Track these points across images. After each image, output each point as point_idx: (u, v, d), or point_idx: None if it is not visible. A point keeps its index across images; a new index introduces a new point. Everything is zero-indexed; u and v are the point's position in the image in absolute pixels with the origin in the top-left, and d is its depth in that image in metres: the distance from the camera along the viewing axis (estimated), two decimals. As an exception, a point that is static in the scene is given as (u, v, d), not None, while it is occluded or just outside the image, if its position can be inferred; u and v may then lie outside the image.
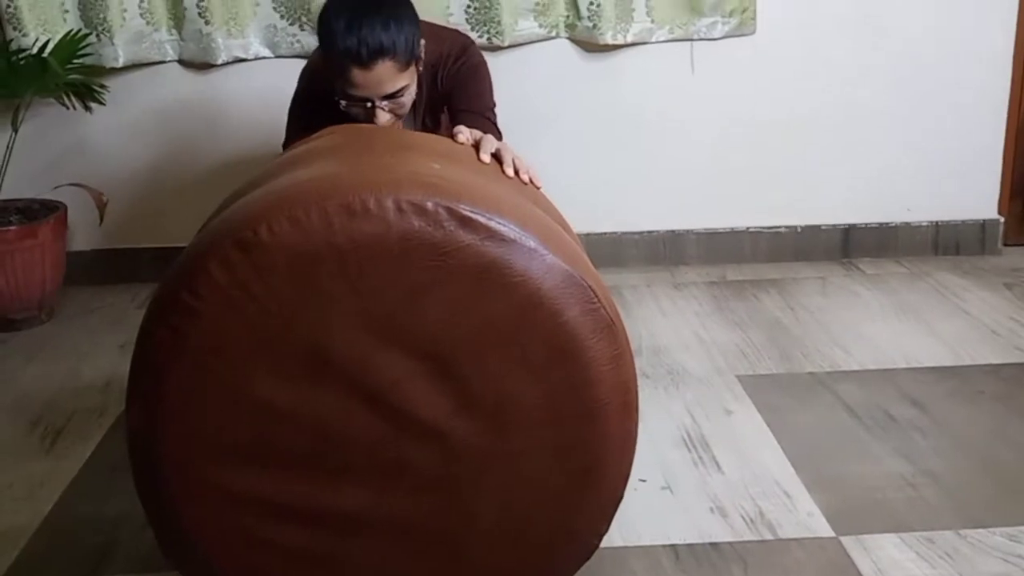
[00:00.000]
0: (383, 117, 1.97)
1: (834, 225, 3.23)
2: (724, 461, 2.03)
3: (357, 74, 1.90)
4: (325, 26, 1.93)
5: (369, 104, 1.95)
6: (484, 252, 1.31)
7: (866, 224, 3.23)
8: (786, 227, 3.23)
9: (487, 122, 2.12)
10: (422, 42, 2.00)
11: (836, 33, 3.06)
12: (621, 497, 1.49)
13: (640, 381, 2.29)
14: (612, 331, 1.38)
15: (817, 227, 3.23)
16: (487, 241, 1.31)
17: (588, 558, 1.51)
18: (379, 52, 1.88)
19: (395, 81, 1.93)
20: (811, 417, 2.21)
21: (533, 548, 1.45)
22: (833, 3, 3.03)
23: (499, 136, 2.06)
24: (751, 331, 2.69)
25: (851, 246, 3.24)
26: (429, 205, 1.29)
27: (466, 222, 1.30)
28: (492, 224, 1.31)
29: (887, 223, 3.23)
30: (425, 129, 2.18)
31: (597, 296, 1.37)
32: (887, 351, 2.53)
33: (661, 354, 2.56)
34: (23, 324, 2.85)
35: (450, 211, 1.30)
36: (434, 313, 1.32)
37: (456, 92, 2.16)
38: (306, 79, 2.21)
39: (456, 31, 2.30)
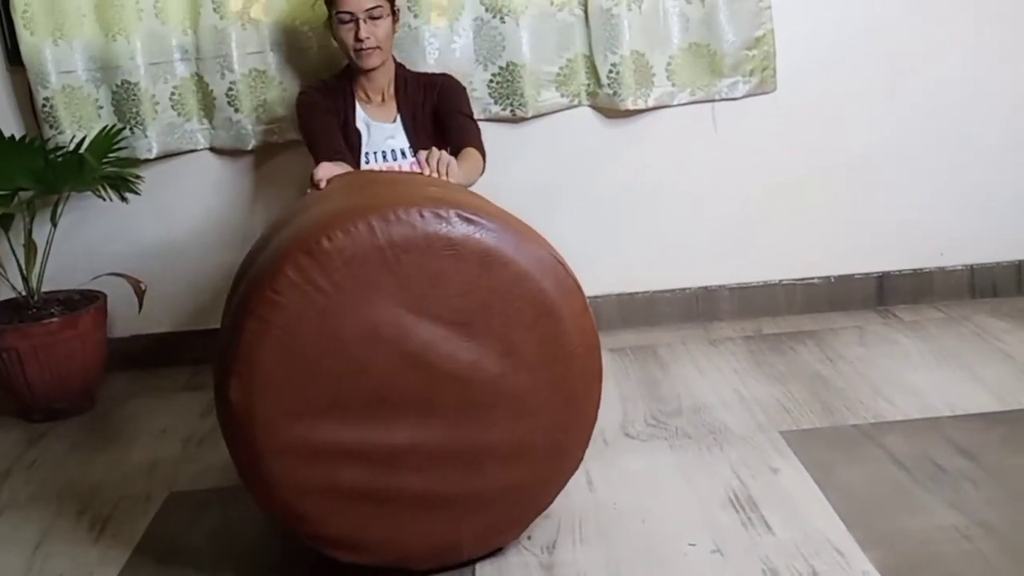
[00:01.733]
0: (364, 30, 2.57)
1: (868, 273, 3.22)
2: (773, 521, 2.00)
3: None
4: None
5: (355, 20, 2.56)
6: (484, 242, 1.77)
7: (900, 271, 3.21)
8: (819, 278, 3.22)
9: (472, 123, 2.72)
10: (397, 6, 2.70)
11: (857, 82, 3.08)
12: (596, 418, 1.93)
13: (682, 442, 2.34)
14: (576, 291, 1.85)
15: (851, 276, 3.22)
16: (485, 233, 1.77)
17: (576, 469, 1.94)
18: None
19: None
20: (859, 471, 2.18)
21: (536, 463, 1.88)
22: (852, 52, 3.06)
23: (477, 129, 2.71)
24: (791, 385, 2.67)
25: (886, 293, 3.22)
26: (443, 211, 1.75)
27: (469, 221, 1.77)
28: (487, 222, 1.78)
29: (921, 269, 3.21)
30: (415, 132, 2.71)
31: (563, 267, 1.84)
32: (931, 399, 2.50)
33: (702, 413, 2.55)
34: (66, 413, 2.89)
35: (458, 214, 1.76)
36: (452, 289, 1.76)
37: (447, 101, 2.72)
38: (305, 98, 2.72)
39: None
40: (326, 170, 2.22)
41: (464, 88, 2.78)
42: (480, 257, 1.76)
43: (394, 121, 2.72)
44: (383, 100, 2.74)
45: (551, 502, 1.97)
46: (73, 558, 2.11)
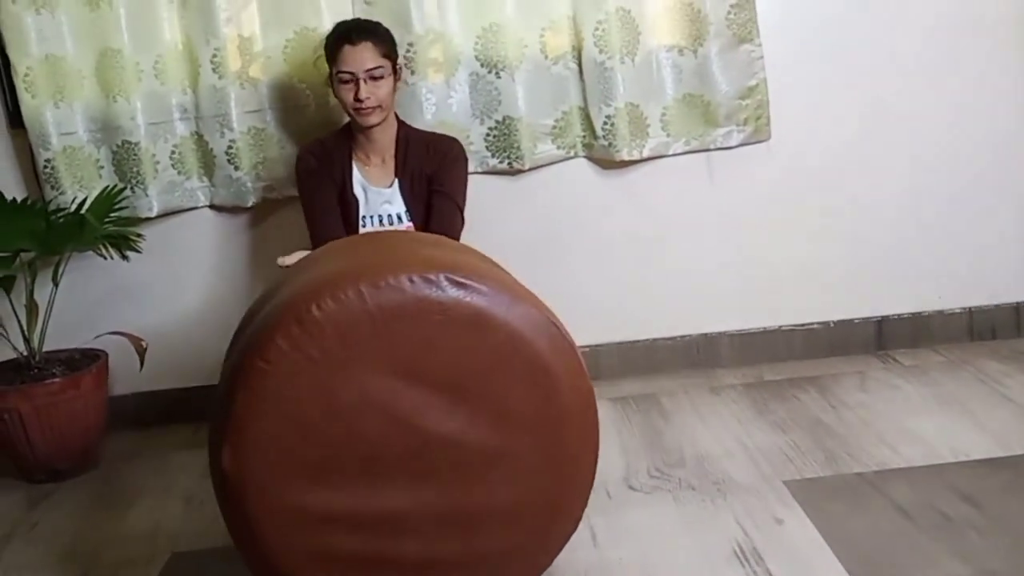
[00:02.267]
0: (364, 90, 2.58)
1: (867, 318, 3.23)
2: (779, 574, 1.99)
3: (347, 50, 2.59)
4: (331, 31, 2.68)
5: (355, 80, 2.58)
6: (475, 304, 1.76)
7: (899, 315, 3.22)
8: (819, 323, 3.23)
9: (454, 207, 2.69)
10: (400, 55, 2.74)
11: (847, 130, 3.12)
12: (593, 477, 1.91)
13: (686, 494, 2.33)
14: (570, 352, 1.84)
15: (850, 321, 3.23)
16: (476, 297, 1.76)
17: (575, 529, 1.92)
18: (364, 33, 2.61)
19: (375, 60, 2.59)
20: (863, 521, 2.17)
21: (535, 525, 1.86)
22: (841, 101, 3.10)
23: (462, 220, 2.70)
24: (794, 433, 2.66)
25: (886, 338, 3.23)
26: (432, 276, 1.75)
27: (459, 285, 1.76)
28: (478, 285, 1.77)
29: (920, 312, 3.22)
30: (413, 196, 2.72)
31: (557, 327, 1.83)
32: (934, 445, 2.49)
33: (705, 463, 2.54)
34: (68, 474, 2.88)
35: (448, 278, 1.75)
36: (444, 353, 1.76)
37: (441, 173, 2.70)
38: (303, 164, 2.75)
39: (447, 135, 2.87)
40: (292, 258, 2.31)
41: (465, 160, 2.78)
42: (471, 320, 1.76)
43: (391, 185, 2.72)
44: (383, 161, 2.74)
45: (550, 563, 1.95)
46: (75, 624, 2.09)
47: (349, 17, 2.85)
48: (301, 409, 1.72)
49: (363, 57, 2.60)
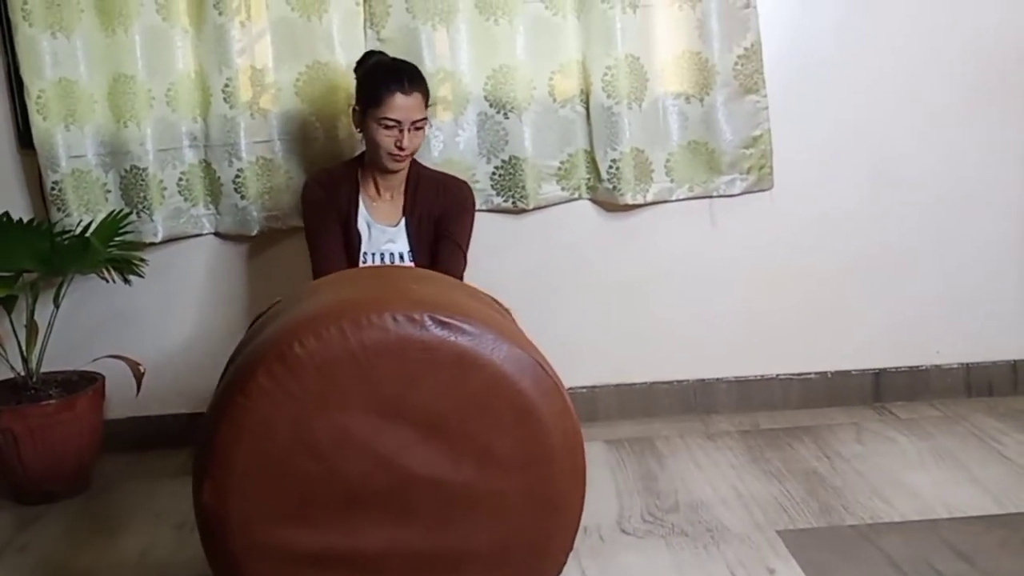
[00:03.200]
0: (408, 141, 2.56)
1: (864, 370, 3.23)
2: (770, 625, 1.99)
3: (400, 99, 2.54)
4: (373, 67, 2.64)
5: (400, 129, 2.55)
6: (459, 344, 1.75)
7: (896, 368, 3.23)
8: (816, 373, 3.24)
9: (460, 255, 2.69)
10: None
11: (849, 182, 3.15)
12: (579, 521, 1.88)
13: (679, 540, 2.33)
14: (556, 392, 1.81)
15: (847, 372, 3.23)
16: (460, 336, 1.75)
17: (559, 573, 1.88)
18: (416, 83, 2.59)
19: (422, 110, 2.59)
20: (856, 574, 2.16)
21: (518, 568, 1.83)
22: (844, 154, 3.14)
23: (464, 264, 2.69)
24: (788, 483, 2.66)
25: (883, 390, 3.24)
26: (416, 315, 1.73)
27: (443, 324, 1.74)
28: (462, 325, 1.75)
29: (918, 366, 3.23)
30: (419, 237, 2.70)
31: (543, 367, 1.80)
32: (928, 500, 2.49)
33: (699, 510, 2.53)
34: (60, 496, 2.86)
35: (432, 317, 1.74)
36: (426, 393, 1.74)
37: (450, 218, 2.70)
38: (309, 193, 2.72)
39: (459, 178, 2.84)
40: None
41: (474, 206, 2.76)
42: (455, 360, 1.75)
43: (397, 224, 2.70)
44: (391, 198, 2.72)
45: None
46: (60, 649, 2.08)
47: (361, 51, 2.87)
48: (281, 446, 1.71)
49: (413, 107, 2.57)
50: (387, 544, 1.77)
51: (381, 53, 2.75)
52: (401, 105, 2.55)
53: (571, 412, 1.86)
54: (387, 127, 2.56)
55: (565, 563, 1.91)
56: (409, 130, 2.57)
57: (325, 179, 2.74)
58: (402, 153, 2.59)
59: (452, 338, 1.75)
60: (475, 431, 1.77)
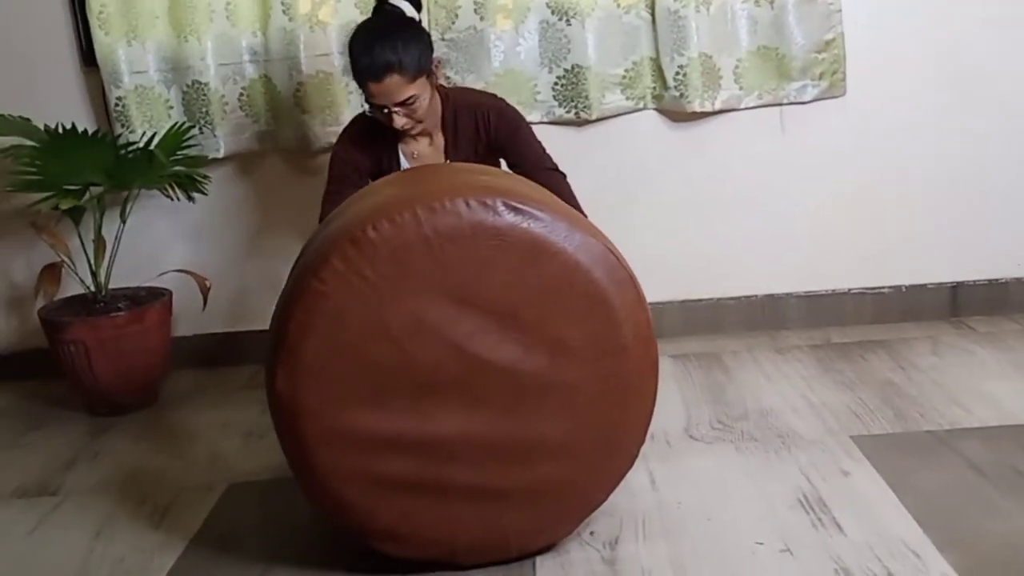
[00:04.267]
0: (398, 121, 2.32)
1: (941, 283, 3.13)
2: (845, 522, 1.93)
3: (372, 86, 2.29)
4: (350, 51, 2.34)
5: (386, 110, 2.31)
6: (532, 231, 1.74)
7: (975, 281, 3.12)
8: (890, 287, 3.14)
9: (559, 175, 2.47)
10: (435, 58, 2.37)
11: (928, 90, 3.02)
12: (651, 414, 1.87)
13: (749, 445, 2.28)
14: (629, 282, 1.80)
15: (923, 286, 3.13)
16: (532, 223, 1.74)
17: (631, 465, 1.88)
18: (387, 68, 2.26)
19: (404, 91, 2.29)
20: (934, 476, 2.10)
21: (588, 459, 1.82)
22: (924, 61, 3.00)
23: (561, 174, 2.48)
24: (862, 392, 2.59)
25: (960, 304, 3.13)
26: (489, 200, 1.73)
27: (517, 211, 1.73)
28: (535, 211, 1.75)
29: (997, 279, 3.12)
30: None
31: (616, 257, 1.79)
32: (1009, 408, 2.41)
33: (769, 417, 2.48)
34: (130, 408, 2.91)
35: (505, 203, 1.73)
36: (498, 280, 1.74)
37: (511, 147, 2.46)
38: (339, 150, 2.52)
39: (488, 93, 2.61)
40: None
41: (520, 118, 2.49)
42: (527, 247, 1.73)
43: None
44: (431, 143, 2.48)
45: (603, 500, 1.91)
46: (134, 543, 2.11)
47: None
48: (354, 331, 1.71)
49: (389, 91, 2.28)
50: (457, 431, 1.77)
51: (367, 20, 2.44)
52: (376, 92, 2.29)
53: (643, 303, 1.83)
54: (374, 107, 2.34)
55: (636, 456, 1.89)
56: (398, 113, 2.31)
57: (358, 135, 2.49)
58: (401, 130, 2.36)
59: (525, 224, 1.73)
60: (547, 320, 1.75)
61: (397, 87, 2.28)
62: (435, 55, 2.39)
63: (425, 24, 2.90)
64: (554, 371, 1.77)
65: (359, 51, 2.31)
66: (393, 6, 2.40)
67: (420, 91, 2.32)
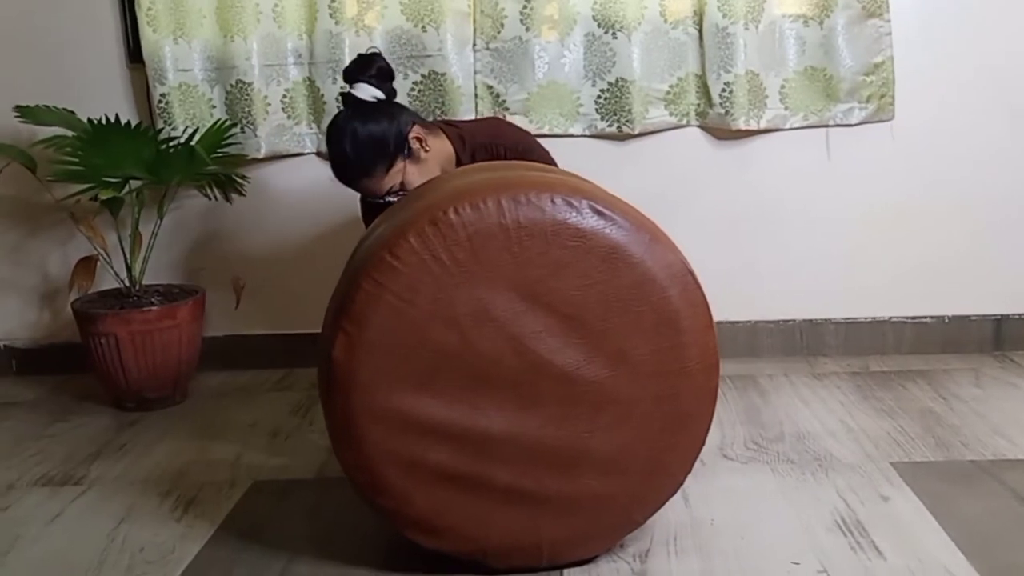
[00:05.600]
0: (396, 198, 2.27)
1: (984, 315, 3.05)
2: (885, 547, 1.87)
3: (353, 188, 2.34)
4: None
5: (380, 200, 2.31)
6: (613, 237, 1.71)
7: (1020, 315, 3.05)
8: (932, 317, 3.07)
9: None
10: (412, 127, 2.31)
11: (977, 118, 2.96)
12: (703, 442, 1.83)
13: (785, 466, 2.23)
14: (703, 307, 1.78)
15: (966, 317, 3.06)
16: (615, 229, 1.71)
17: (675, 491, 1.85)
18: (355, 178, 2.32)
19: (382, 185, 2.30)
20: (977, 504, 2.03)
21: (633, 478, 1.79)
22: (973, 88, 2.95)
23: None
24: (902, 420, 2.52)
25: (1004, 338, 3.05)
26: (575, 200, 1.71)
27: (601, 214, 1.71)
28: (619, 218, 1.73)
29: (1044, 314, 3.04)
30: None
31: (694, 279, 1.78)
32: (1056, 441, 2.34)
33: (806, 441, 2.42)
34: (157, 404, 2.89)
35: (591, 206, 1.71)
36: (572, 282, 1.71)
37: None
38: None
39: (489, 119, 2.70)
40: None
41: (523, 136, 2.48)
42: (607, 252, 1.71)
43: None
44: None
45: (642, 522, 1.87)
46: (155, 534, 2.08)
47: None
48: (420, 310, 1.69)
49: (371, 190, 2.32)
50: (506, 429, 1.74)
51: (333, 118, 2.35)
52: (360, 191, 2.37)
53: (713, 330, 1.80)
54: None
55: (682, 484, 1.85)
56: (387, 200, 2.30)
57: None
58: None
59: (607, 230, 1.71)
60: (615, 330, 1.73)
61: (375, 184, 2.30)
62: (410, 125, 2.31)
63: (469, 34, 2.93)
64: (613, 383, 1.74)
65: (330, 159, 2.33)
66: (354, 96, 2.32)
67: (399, 175, 2.30)
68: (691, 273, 1.77)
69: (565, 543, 1.83)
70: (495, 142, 2.40)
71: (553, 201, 1.70)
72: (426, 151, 2.34)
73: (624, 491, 1.80)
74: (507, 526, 1.79)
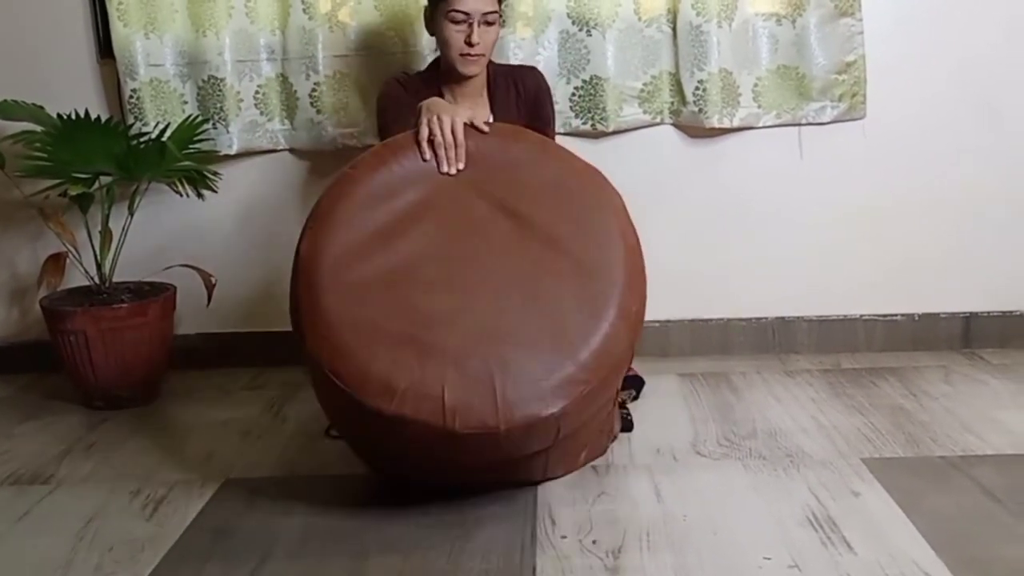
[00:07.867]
0: (475, 37, 2.45)
1: (954, 313, 3.08)
2: (855, 541, 1.88)
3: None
4: None
5: (469, 23, 2.45)
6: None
7: (988, 312, 3.08)
8: (902, 315, 3.10)
9: (549, 134, 2.64)
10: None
11: (949, 115, 2.99)
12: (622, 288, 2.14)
13: (757, 463, 2.25)
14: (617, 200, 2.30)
15: (936, 315, 3.09)
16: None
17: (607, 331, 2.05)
18: None
19: (492, 3, 2.48)
20: (947, 500, 2.05)
21: (570, 339, 2.01)
22: (945, 85, 2.98)
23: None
24: (872, 416, 2.54)
25: (973, 335, 3.08)
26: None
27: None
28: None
29: (1012, 311, 3.07)
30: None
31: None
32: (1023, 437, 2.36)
33: (777, 437, 2.43)
34: (127, 402, 2.86)
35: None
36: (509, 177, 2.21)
37: (536, 111, 2.64)
38: (390, 90, 2.60)
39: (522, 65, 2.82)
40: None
41: (548, 88, 2.67)
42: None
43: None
44: (472, 106, 2.56)
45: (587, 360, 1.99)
46: (124, 533, 2.06)
47: None
48: (375, 207, 2.13)
49: (478, 6, 2.44)
50: (454, 308, 2.03)
51: None
52: (466, 2, 2.43)
53: (626, 212, 2.35)
54: (456, 22, 2.44)
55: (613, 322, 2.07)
56: (480, 24, 2.44)
57: (405, 80, 2.62)
58: (473, 51, 2.46)
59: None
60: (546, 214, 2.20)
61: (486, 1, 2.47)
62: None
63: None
64: (547, 254, 2.13)
65: None
66: None
67: (498, 17, 2.51)
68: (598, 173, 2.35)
69: (514, 403, 1.91)
70: (516, 72, 2.66)
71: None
72: (501, 26, 2.61)
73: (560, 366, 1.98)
74: (461, 388, 1.90)
